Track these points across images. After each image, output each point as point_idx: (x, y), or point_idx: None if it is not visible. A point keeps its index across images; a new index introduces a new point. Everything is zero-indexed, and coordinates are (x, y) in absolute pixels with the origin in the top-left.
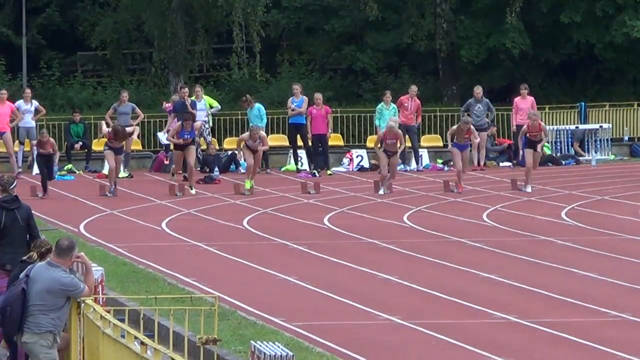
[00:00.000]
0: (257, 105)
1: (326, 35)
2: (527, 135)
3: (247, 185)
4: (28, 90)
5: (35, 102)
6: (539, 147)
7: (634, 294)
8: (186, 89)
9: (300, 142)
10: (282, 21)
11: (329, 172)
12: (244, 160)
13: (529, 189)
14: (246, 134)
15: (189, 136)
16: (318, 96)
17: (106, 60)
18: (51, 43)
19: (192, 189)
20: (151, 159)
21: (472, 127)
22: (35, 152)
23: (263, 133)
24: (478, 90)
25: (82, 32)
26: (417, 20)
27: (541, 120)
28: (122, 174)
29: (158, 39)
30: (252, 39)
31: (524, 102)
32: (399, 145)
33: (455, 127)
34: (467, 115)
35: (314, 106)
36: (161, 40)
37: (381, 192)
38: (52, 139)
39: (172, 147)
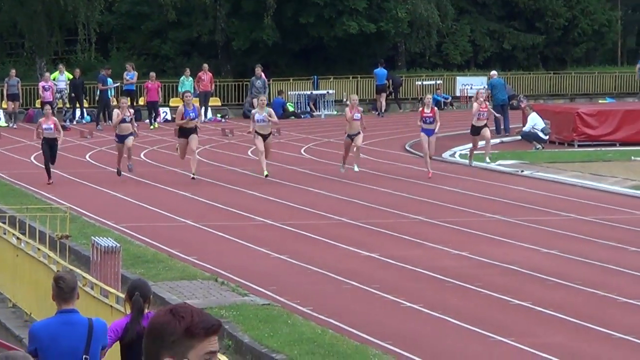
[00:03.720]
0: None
1: (141, 32)
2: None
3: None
4: None
5: None
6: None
7: (350, 205)
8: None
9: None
10: (112, 22)
11: (156, 125)
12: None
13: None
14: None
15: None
16: (152, 74)
17: None
18: None
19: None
20: (24, 114)
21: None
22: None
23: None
24: (258, 70)
25: None
26: (202, 22)
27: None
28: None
29: (28, 33)
30: (90, 33)
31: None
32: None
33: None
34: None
35: (149, 81)
36: (30, 34)
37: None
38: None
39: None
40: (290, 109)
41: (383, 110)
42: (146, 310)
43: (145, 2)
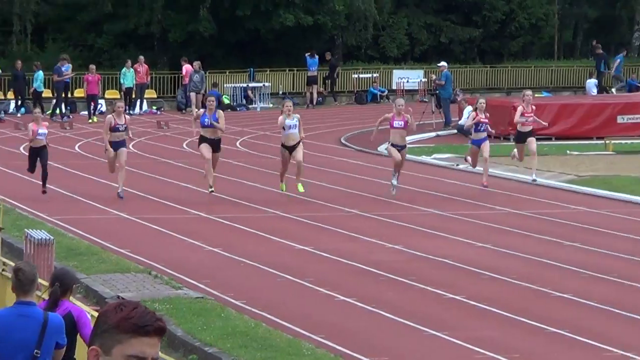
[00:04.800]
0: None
1: (77, 23)
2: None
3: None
4: None
5: None
6: None
7: (284, 197)
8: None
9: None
10: (49, 12)
11: (95, 119)
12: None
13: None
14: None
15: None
16: (92, 67)
17: None
18: None
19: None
20: None
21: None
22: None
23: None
24: (197, 64)
25: None
26: (139, 13)
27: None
28: None
29: None
30: (26, 24)
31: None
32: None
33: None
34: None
35: (90, 74)
36: None
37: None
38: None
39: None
40: (226, 101)
41: (315, 103)
42: (68, 299)
43: None
